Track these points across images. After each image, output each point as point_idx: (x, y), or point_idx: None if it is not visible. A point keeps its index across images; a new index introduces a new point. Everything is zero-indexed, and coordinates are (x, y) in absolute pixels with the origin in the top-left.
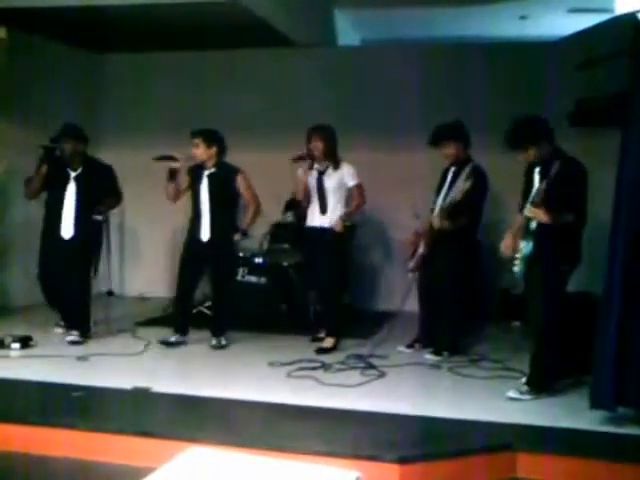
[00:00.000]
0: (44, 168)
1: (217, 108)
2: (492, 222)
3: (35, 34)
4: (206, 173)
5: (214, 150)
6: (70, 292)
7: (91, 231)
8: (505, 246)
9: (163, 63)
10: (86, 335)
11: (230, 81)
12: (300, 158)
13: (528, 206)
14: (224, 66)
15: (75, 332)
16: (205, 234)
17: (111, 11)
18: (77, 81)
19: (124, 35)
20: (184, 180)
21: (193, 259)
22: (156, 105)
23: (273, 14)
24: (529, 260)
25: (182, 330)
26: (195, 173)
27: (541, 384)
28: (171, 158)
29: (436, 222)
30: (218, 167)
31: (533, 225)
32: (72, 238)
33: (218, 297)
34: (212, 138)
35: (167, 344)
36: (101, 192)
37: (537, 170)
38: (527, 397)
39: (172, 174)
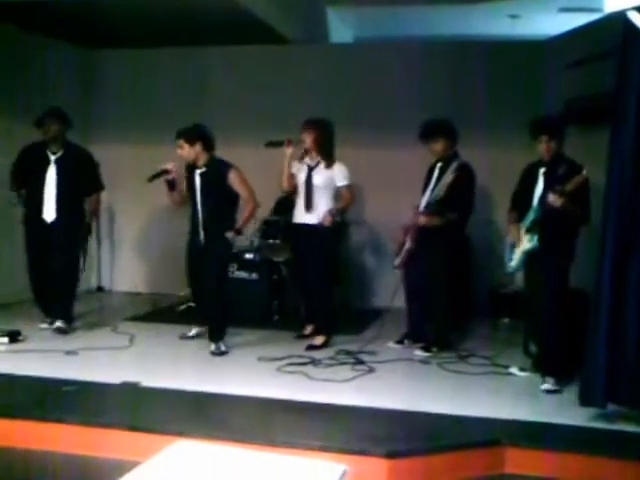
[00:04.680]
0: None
1: (211, 104)
2: (483, 220)
3: (29, 30)
4: (198, 172)
5: (199, 147)
6: (56, 277)
7: (75, 214)
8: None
9: (157, 59)
10: (70, 324)
11: (223, 77)
12: (271, 144)
13: (551, 194)
14: (218, 62)
15: (60, 320)
16: (201, 234)
17: (104, 6)
18: (70, 77)
19: (118, 31)
20: (182, 182)
21: (194, 259)
22: (151, 101)
23: (267, 11)
24: (532, 254)
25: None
26: (189, 173)
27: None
28: (164, 172)
29: (422, 220)
30: (209, 165)
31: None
32: (55, 221)
33: (212, 298)
34: (193, 135)
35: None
36: (81, 177)
37: (542, 171)
38: (557, 387)
39: (170, 185)
